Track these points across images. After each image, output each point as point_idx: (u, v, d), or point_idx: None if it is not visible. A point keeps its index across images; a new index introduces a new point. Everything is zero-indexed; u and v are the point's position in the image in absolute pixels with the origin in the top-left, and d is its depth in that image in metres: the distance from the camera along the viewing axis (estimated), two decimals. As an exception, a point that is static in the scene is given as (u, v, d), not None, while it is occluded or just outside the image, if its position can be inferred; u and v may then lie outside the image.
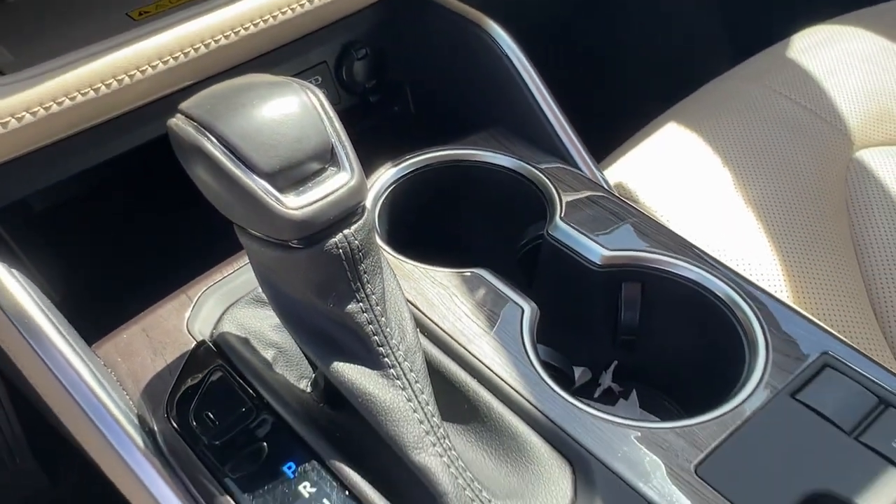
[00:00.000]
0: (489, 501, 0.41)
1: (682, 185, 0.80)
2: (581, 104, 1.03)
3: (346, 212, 0.41)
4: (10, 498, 1.16)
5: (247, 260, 0.58)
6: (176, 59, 0.54)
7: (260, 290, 0.56)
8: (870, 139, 0.92)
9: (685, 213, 0.77)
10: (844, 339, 0.50)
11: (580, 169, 0.66)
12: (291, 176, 0.40)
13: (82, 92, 0.51)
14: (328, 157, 0.41)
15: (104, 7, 0.59)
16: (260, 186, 0.39)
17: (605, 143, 0.90)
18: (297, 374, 0.52)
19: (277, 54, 0.64)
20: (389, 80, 0.79)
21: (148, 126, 0.58)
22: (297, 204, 0.39)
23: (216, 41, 0.56)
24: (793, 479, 0.43)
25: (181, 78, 0.56)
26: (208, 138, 0.40)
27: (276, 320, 0.55)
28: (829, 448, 0.44)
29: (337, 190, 0.40)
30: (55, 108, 0.49)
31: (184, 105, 0.42)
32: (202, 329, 0.53)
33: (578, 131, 0.71)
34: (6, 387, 1.10)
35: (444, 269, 0.55)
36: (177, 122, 0.41)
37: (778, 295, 0.73)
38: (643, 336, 0.57)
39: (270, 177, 0.39)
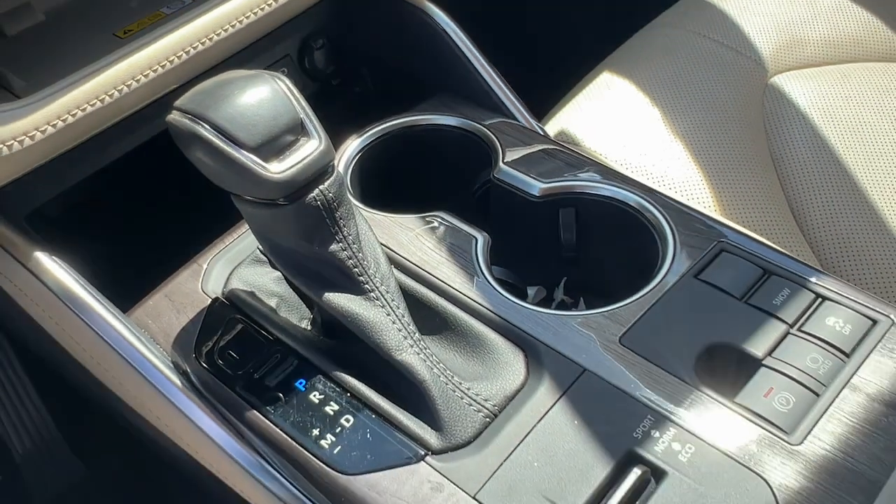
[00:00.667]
0: (459, 383, 0.53)
1: (615, 126, 0.91)
2: (527, 65, 1.13)
3: (319, 171, 0.51)
4: (50, 488, 1.25)
5: (244, 229, 0.68)
6: (163, 66, 0.64)
7: (259, 251, 0.67)
8: (782, 65, 1.03)
9: (618, 148, 0.87)
10: (739, 228, 0.61)
11: (519, 121, 0.77)
12: (272, 147, 0.50)
13: (90, 103, 0.61)
14: (300, 130, 0.51)
15: (92, 30, 0.69)
16: (248, 158, 0.49)
17: (554, 98, 1.01)
18: (298, 316, 0.63)
19: (247, 53, 0.74)
20: (348, 64, 0.89)
21: (147, 126, 0.69)
22: (279, 169, 0.50)
23: (194, 48, 0.66)
24: (696, 337, 0.54)
25: (169, 83, 0.66)
26: (202, 125, 0.50)
27: (276, 274, 0.66)
28: (725, 312, 0.55)
29: (310, 154, 0.51)
30: (70, 119, 0.60)
31: (178, 102, 0.52)
32: (214, 288, 0.64)
33: (524, 90, 0.82)
34: (35, 383, 1.21)
35: (410, 215, 0.66)
36: (174, 116, 0.52)
37: (706, 209, 0.84)
38: (583, 252, 0.68)
39: (255, 150, 0.50)
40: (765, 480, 0.46)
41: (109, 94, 0.62)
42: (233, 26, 0.68)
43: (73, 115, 0.60)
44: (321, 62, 0.86)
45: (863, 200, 0.87)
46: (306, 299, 0.63)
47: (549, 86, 1.05)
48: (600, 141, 0.89)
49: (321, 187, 0.51)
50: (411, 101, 0.80)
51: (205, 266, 0.65)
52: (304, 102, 0.52)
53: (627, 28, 1.11)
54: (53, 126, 0.59)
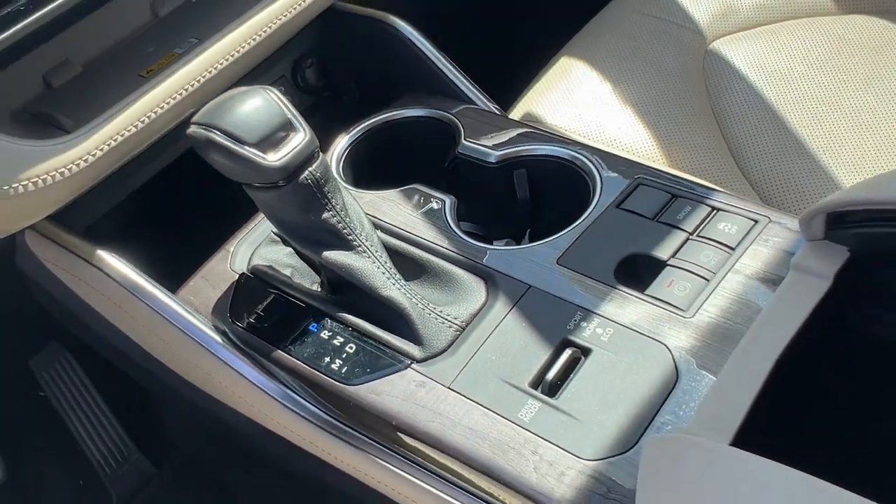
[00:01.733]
0: (434, 308, 0.67)
1: (570, 102, 1.04)
2: (492, 56, 1.27)
3: (308, 156, 0.66)
4: (126, 487, 1.39)
5: (258, 217, 0.84)
6: (180, 95, 0.80)
7: (272, 233, 0.82)
8: (719, 32, 1.16)
9: (573, 121, 1.01)
10: (653, 165, 0.75)
11: (479, 106, 0.91)
12: (269, 142, 0.65)
13: (126, 130, 0.77)
14: (289, 127, 0.66)
15: (120, 73, 0.85)
16: (251, 152, 0.64)
17: (516, 83, 1.15)
18: (309, 280, 0.78)
19: (247, 78, 0.90)
20: (335, 78, 1.04)
21: (175, 146, 0.85)
22: (275, 158, 0.64)
23: (203, 77, 0.82)
24: (616, 251, 0.68)
25: (186, 108, 0.82)
26: (213, 132, 0.65)
27: (288, 250, 0.81)
28: (639, 230, 0.69)
29: (298, 145, 0.66)
30: (111, 145, 0.75)
31: (194, 118, 0.68)
32: (240, 266, 0.79)
33: (482, 77, 0.96)
34: (101, 393, 1.37)
35: (391, 190, 0.81)
36: (192, 129, 0.67)
37: (654, 162, 0.97)
38: (537, 205, 0.82)
39: (256, 145, 0.64)
40: (664, 345, 0.60)
41: (139, 122, 0.78)
42: (232, 56, 0.83)
43: (113, 142, 0.76)
44: (312, 79, 1.02)
45: (793, 138, 1.00)
46: (312, 265, 0.78)
47: (517, 76, 1.19)
48: (557, 117, 1.03)
49: (310, 169, 0.66)
50: (391, 101, 0.95)
51: (231, 250, 0.81)
52: (290, 105, 0.67)
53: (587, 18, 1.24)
54: (99, 152, 0.75)
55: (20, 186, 0.70)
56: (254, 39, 0.85)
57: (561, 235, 0.71)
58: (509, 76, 1.18)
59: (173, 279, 0.81)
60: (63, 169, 0.72)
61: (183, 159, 0.90)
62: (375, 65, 1.00)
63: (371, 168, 0.89)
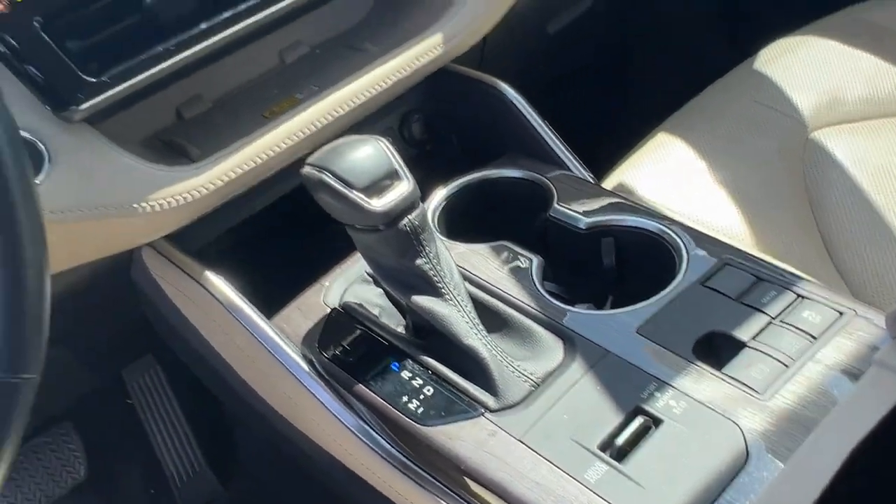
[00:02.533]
0: (511, 361, 0.70)
1: (663, 178, 1.06)
2: (589, 124, 1.31)
3: (409, 205, 0.70)
4: (192, 502, 1.45)
5: (355, 257, 0.88)
6: (297, 137, 0.86)
7: (366, 273, 0.87)
8: (822, 122, 1.16)
9: (663, 196, 1.03)
10: (741, 247, 0.76)
11: (574, 173, 0.94)
12: (375, 188, 0.70)
13: (245, 164, 0.84)
14: (394, 175, 0.71)
15: (245, 112, 0.93)
16: (358, 197, 0.69)
17: (613, 153, 1.18)
18: (395, 321, 0.82)
19: (358, 127, 0.96)
20: (439, 133, 1.10)
21: (285, 182, 0.91)
22: (380, 204, 0.69)
23: (320, 123, 0.88)
24: (696, 327, 0.69)
25: (302, 149, 0.88)
26: (326, 174, 0.70)
27: (378, 291, 0.85)
28: (721, 308, 0.70)
29: (401, 193, 0.70)
30: (231, 176, 0.82)
31: (309, 159, 0.74)
32: (333, 301, 0.84)
33: (582, 145, 1.00)
34: (183, 407, 1.43)
35: (482, 244, 0.85)
36: (306, 169, 0.73)
37: (742, 243, 0.98)
38: (621, 272, 0.84)
39: (363, 190, 0.69)
40: (737, 425, 0.61)
41: (259, 157, 0.84)
42: (347, 106, 0.89)
43: (233, 174, 0.83)
44: (417, 132, 1.08)
45: (889, 234, 0.99)
46: (399, 307, 0.82)
47: (615, 147, 1.22)
48: (650, 190, 1.05)
49: (410, 216, 0.70)
50: (490, 159, 0.99)
51: (325, 284, 0.86)
52: (397, 156, 0.72)
53: (686, 95, 1.27)
54: (220, 181, 0.82)
55: (148, 206, 0.77)
56: (368, 93, 0.91)
57: (643, 306, 0.73)
58: (605, 144, 1.22)
59: (269, 305, 0.86)
60: (187, 194, 0.79)
61: (292, 194, 0.97)
62: (478, 124, 1.05)
63: (464, 221, 0.93)
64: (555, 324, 0.73)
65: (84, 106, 0.73)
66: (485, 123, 1.04)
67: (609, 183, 1.10)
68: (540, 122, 0.98)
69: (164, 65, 0.77)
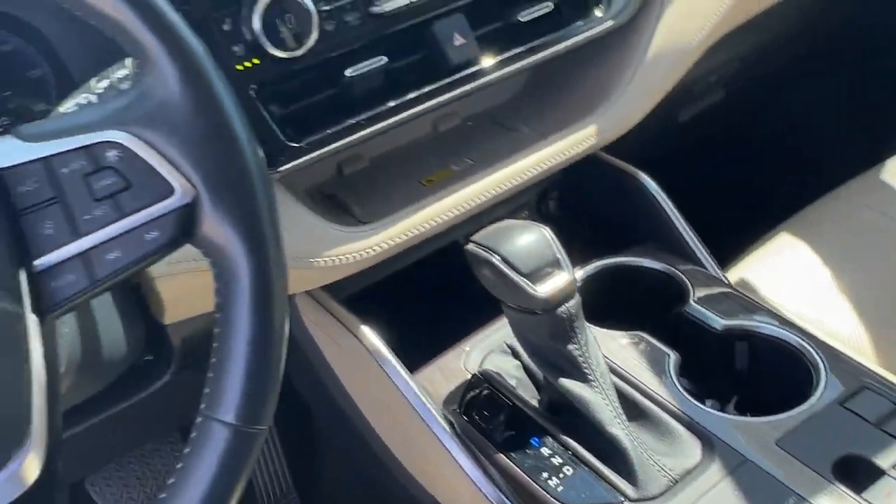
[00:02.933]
0: (651, 455, 0.74)
1: (788, 280, 1.09)
2: (712, 212, 1.34)
3: (567, 294, 0.76)
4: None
5: (496, 325, 0.94)
6: (454, 212, 0.92)
7: (504, 345, 0.92)
8: (949, 240, 1.17)
9: (789, 299, 1.05)
10: (880, 371, 0.79)
11: (708, 270, 0.98)
12: (539, 275, 0.76)
13: (407, 233, 0.90)
14: (556, 264, 0.77)
15: (403, 176, 1.00)
16: (523, 281, 0.75)
17: (737, 245, 1.21)
18: (529, 395, 0.87)
19: (502, 202, 1.02)
20: (574, 212, 1.15)
21: (434, 243, 0.98)
22: (543, 290, 0.75)
23: (475, 201, 0.94)
24: (836, 447, 0.72)
25: (455, 220, 0.94)
26: (493, 255, 0.76)
27: (516, 363, 0.90)
28: (861, 433, 0.73)
29: (562, 283, 0.75)
30: (398, 240, 0.89)
31: (475, 237, 0.80)
32: (472, 367, 0.89)
33: (713, 237, 1.03)
34: (280, 430, 1.49)
35: (618, 331, 0.89)
36: (472, 247, 0.79)
37: (864, 359, 1.00)
38: (752, 378, 0.88)
39: (528, 276, 0.75)
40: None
41: (421, 227, 0.91)
42: (505, 186, 0.95)
43: (398, 239, 0.89)
44: (553, 209, 1.13)
45: None
46: (536, 382, 0.87)
47: (736, 233, 1.26)
48: (774, 291, 1.07)
49: (567, 305, 0.76)
50: (622, 243, 1.04)
51: (466, 349, 0.92)
52: (560, 246, 0.78)
53: (808, 195, 1.30)
54: (385, 245, 0.88)
55: (323, 261, 0.85)
56: (524, 176, 0.97)
57: (782, 418, 0.76)
58: (727, 233, 1.24)
59: (409, 359, 0.92)
60: (357, 253, 0.86)
61: (435, 255, 1.03)
62: (613, 209, 1.10)
63: (596, 304, 0.98)
64: (693, 422, 0.77)
65: (283, 168, 0.81)
66: (620, 209, 1.09)
67: (733, 275, 1.13)
68: (679, 216, 1.02)
69: (354, 136, 0.85)
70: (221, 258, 0.52)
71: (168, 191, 0.50)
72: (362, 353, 0.90)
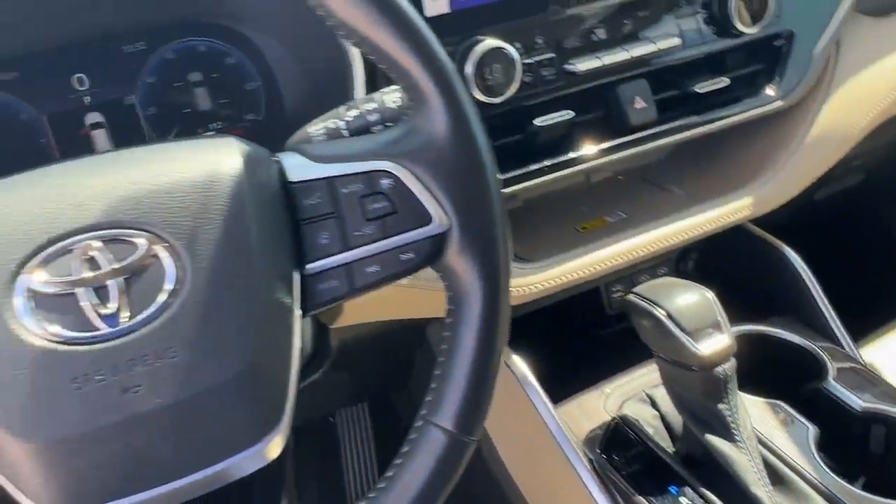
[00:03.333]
0: (793, 521, 0.77)
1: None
2: (851, 289, 1.36)
3: (726, 356, 0.80)
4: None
5: (637, 374, 0.98)
6: (613, 263, 0.98)
7: (645, 392, 0.97)
8: None
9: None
10: None
11: (845, 349, 1.01)
12: (699, 334, 0.80)
13: (571, 273, 0.96)
14: (717, 326, 0.81)
15: (558, 220, 1.06)
16: (685, 338, 0.80)
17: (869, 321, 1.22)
18: (666, 444, 0.91)
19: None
20: (713, 276, 1.19)
21: (582, 284, 1.03)
22: (703, 349, 0.79)
23: (632, 255, 0.99)
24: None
25: (609, 270, 1.00)
26: (657, 309, 0.81)
27: (654, 412, 0.95)
28: None
29: (721, 345, 0.80)
30: (559, 280, 0.95)
31: (636, 289, 0.85)
32: (611, 410, 0.94)
33: (845, 309, 1.06)
34: (378, 441, 1.55)
35: (760, 398, 0.93)
36: (634, 297, 0.84)
37: None
38: (885, 459, 0.90)
39: (691, 334, 0.80)
40: None
41: (582, 271, 0.97)
42: (658, 245, 1.01)
43: (560, 280, 0.95)
44: (692, 269, 1.18)
45: None
46: (673, 434, 0.91)
47: (868, 309, 1.27)
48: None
49: (724, 366, 0.80)
50: (757, 310, 1.07)
51: (607, 391, 0.97)
52: (721, 309, 0.82)
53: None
54: (548, 284, 0.95)
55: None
56: (677, 238, 1.02)
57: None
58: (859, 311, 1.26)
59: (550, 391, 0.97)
60: (524, 287, 0.92)
61: (584, 295, 1.09)
62: (755, 277, 1.14)
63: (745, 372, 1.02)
64: (835, 497, 0.80)
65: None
66: (760, 277, 1.13)
67: (868, 352, 1.14)
68: (821, 293, 1.05)
69: (536, 180, 0.92)
70: (457, 283, 0.59)
71: (426, 219, 0.57)
72: (509, 379, 0.96)
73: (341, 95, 0.86)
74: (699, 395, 0.81)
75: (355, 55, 0.83)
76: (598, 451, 0.89)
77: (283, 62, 0.96)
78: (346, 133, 0.65)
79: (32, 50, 0.87)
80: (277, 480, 1.02)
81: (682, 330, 0.80)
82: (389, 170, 0.57)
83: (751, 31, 0.97)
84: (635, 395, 0.96)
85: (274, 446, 0.52)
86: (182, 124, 0.93)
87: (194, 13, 0.92)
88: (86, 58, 0.89)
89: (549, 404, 0.92)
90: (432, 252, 0.58)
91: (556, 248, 0.98)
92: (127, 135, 0.91)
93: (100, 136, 0.90)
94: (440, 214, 0.57)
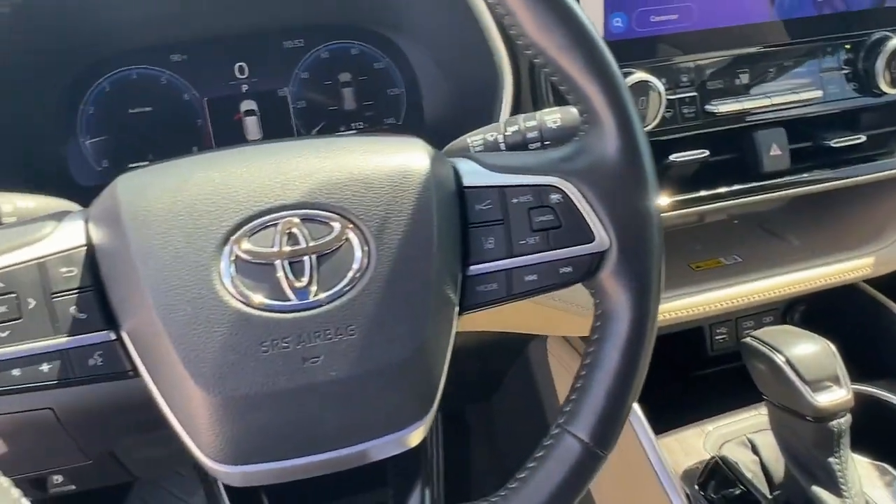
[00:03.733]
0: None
1: None
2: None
3: (842, 410, 0.80)
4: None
5: (740, 417, 0.99)
6: (724, 305, 0.98)
7: (746, 437, 0.97)
8: None
9: None
10: None
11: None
12: (819, 386, 0.80)
13: (682, 311, 0.97)
14: (835, 380, 0.80)
15: (673, 258, 1.07)
16: (803, 387, 0.80)
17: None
18: (764, 489, 0.91)
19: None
20: (819, 326, 1.18)
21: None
22: (822, 401, 0.79)
23: (744, 300, 0.99)
24: None
25: (723, 311, 1.01)
26: (777, 355, 0.82)
27: (754, 458, 0.95)
28: None
29: (841, 398, 0.80)
30: (671, 316, 0.96)
31: (757, 333, 0.86)
32: (710, 449, 0.95)
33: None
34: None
35: (860, 456, 0.92)
36: (754, 343, 0.85)
37: None
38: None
39: (809, 384, 0.80)
40: None
41: (691, 310, 0.97)
42: (772, 294, 1.00)
43: (669, 315, 0.97)
44: (798, 321, 1.17)
45: None
46: (771, 481, 0.91)
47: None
48: None
49: (839, 420, 0.80)
50: (861, 368, 1.06)
51: (708, 430, 0.97)
52: (842, 362, 0.82)
53: None
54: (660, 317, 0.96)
55: (606, 316, 0.93)
56: (791, 289, 1.02)
57: None
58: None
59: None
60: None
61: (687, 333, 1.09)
62: (863, 336, 1.12)
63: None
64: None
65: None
66: (868, 337, 1.11)
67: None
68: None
69: (664, 215, 0.93)
70: (608, 301, 0.60)
71: (589, 237, 0.59)
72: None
73: (483, 111, 0.89)
74: (810, 446, 0.81)
75: (507, 77, 0.86)
76: (696, 487, 0.90)
77: (428, 72, 1.00)
78: (502, 147, 0.68)
79: (202, 37, 0.94)
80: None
81: (801, 378, 0.80)
82: (559, 185, 0.59)
83: (893, 91, 0.97)
84: (736, 438, 0.96)
85: (417, 434, 0.55)
86: (326, 120, 0.98)
87: (355, 19, 0.97)
88: (248, 49, 0.95)
89: (652, 434, 0.93)
90: (590, 269, 0.60)
91: (668, 283, 0.99)
92: (275, 124, 0.96)
93: (251, 123, 0.96)
94: (602, 234, 0.59)
